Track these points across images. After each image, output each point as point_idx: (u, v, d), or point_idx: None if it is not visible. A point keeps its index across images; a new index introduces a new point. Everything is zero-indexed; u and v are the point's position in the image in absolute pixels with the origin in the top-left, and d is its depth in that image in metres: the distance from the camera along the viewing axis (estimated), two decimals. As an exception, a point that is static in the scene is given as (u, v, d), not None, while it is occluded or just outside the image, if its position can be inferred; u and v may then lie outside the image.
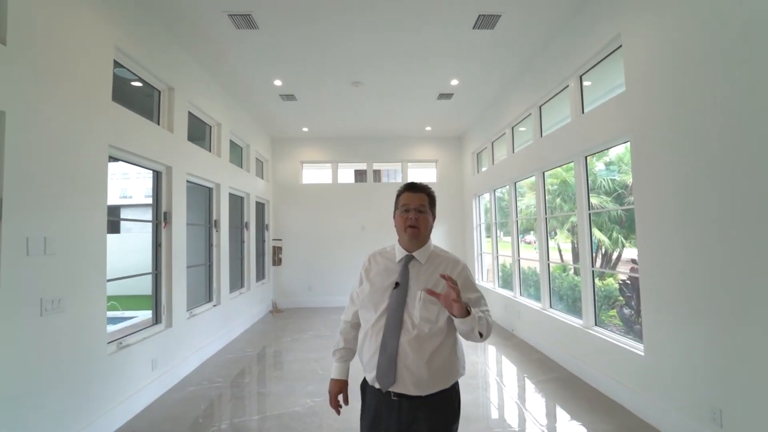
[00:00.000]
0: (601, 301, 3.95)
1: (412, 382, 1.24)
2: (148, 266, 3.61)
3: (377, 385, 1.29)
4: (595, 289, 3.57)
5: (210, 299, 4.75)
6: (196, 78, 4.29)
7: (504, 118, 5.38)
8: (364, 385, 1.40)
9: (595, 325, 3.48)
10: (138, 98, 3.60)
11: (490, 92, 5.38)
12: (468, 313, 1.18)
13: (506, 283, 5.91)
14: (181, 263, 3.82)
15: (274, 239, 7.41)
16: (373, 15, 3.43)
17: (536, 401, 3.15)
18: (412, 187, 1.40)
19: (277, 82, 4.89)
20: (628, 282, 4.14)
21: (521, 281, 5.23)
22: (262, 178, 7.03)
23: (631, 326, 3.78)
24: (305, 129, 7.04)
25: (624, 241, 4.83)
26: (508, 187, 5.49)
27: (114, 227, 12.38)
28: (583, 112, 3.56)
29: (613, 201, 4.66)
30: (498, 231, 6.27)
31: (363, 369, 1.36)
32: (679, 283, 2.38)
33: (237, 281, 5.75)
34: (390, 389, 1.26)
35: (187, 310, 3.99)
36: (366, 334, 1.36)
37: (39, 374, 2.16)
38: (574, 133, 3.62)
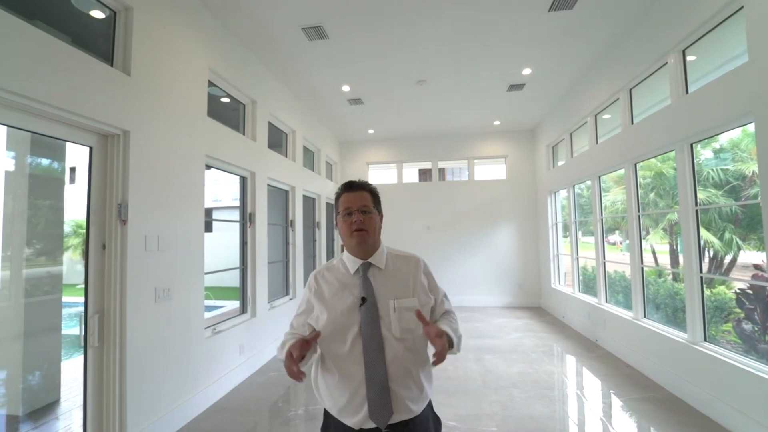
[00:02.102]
0: (711, 312, 3.37)
1: (410, 400, 1.10)
2: (234, 262, 4.04)
3: (367, 425, 1.08)
4: (704, 299, 3.05)
5: (287, 293, 5.13)
6: (274, 90, 4.67)
7: (585, 106, 4.89)
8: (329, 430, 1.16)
9: (704, 340, 2.97)
10: (226, 112, 4.04)
11: (568, 79, 4.93)
12: (451, 345, 1.12)
13: (588, 288, 5.37)
14: (263, 259, 4.20)
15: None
16: (439, 7, 3.37)
17: (626, 421, 2.80)
18: (350, 187, 1.22)
19: (345, 88, 5.08)
20: (749, 291, 3.46)
21: (607, 286, 4.70)
22: (332, 180, 7.38)
23: (754, 345, 3.15)
24: (371, 131, 7.22)
25: (740, 242, 4.04)
26: (590, 182, 4.97)
27: (208, 227, 14.10)
28: (687, 92, 3.06)
29: (724, 195, 3.94)
30: (577, 231, 5.72)
31: (340, 415, 1.11)
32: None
33: (310, 277, 6.13)
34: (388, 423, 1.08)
35: (268, 302, 4.37)
36: (339, 371, 1.13)
37: (154, 352, 2.55)
38: (675, 117, 3.14)
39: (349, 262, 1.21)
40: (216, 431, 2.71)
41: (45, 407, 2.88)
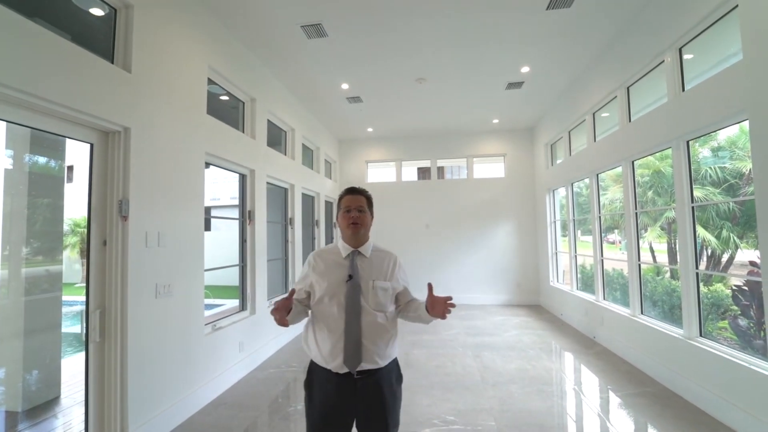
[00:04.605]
0: (707, 309, 3.40)
1: (377, 355, 1.43)
2: (232, 261, 4.05)
3: (342, 370, 1.40)
4: (700, 295, 3.08)
5: (286, 290, 5.15)
6: (274, 88, 4.68)
7: (583, 104, 4.92)
8: (312, 379, 1.47)
9: (700, 335, 3.00)
10: (226, 110, 4.05)
11: (566, 77, 4.96)
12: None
13: (586, 285, 5.40)
14: (263, 257, 4.21)
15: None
16: (438, 5, 3.38)
17: (623, 416, 2.83)
18: (352, 191, 1.57)
19: (344, 86, 5.09)
20: (745, 288, 3.50)
21: (605, 284, 4.73)
22: (330, 179, 7.39)
23: (749, 341, 3.19)
24: (370, 129, 7.23)
25: (738, 241, 4.06)
26: (588, 180, 5.00)
27: (207, 225, 14.10)
28: (683, 90, 3.09)
29: (722, 193, 3.97)
30: (576, 229, 5.75)
31: (323, 360, 1.43)
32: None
33: (309, 275, 6.14)
34: (357, 369, 1.40)
35: (268, 299, 4.38)
36: (326, 325, 1.45)
37: (155, 348, 2.56)
38: (672, 115, 3.16)
39: (343, 248, 1.54)
40: (216, 426, 2.73)
41: (45, 404, 2.90)
